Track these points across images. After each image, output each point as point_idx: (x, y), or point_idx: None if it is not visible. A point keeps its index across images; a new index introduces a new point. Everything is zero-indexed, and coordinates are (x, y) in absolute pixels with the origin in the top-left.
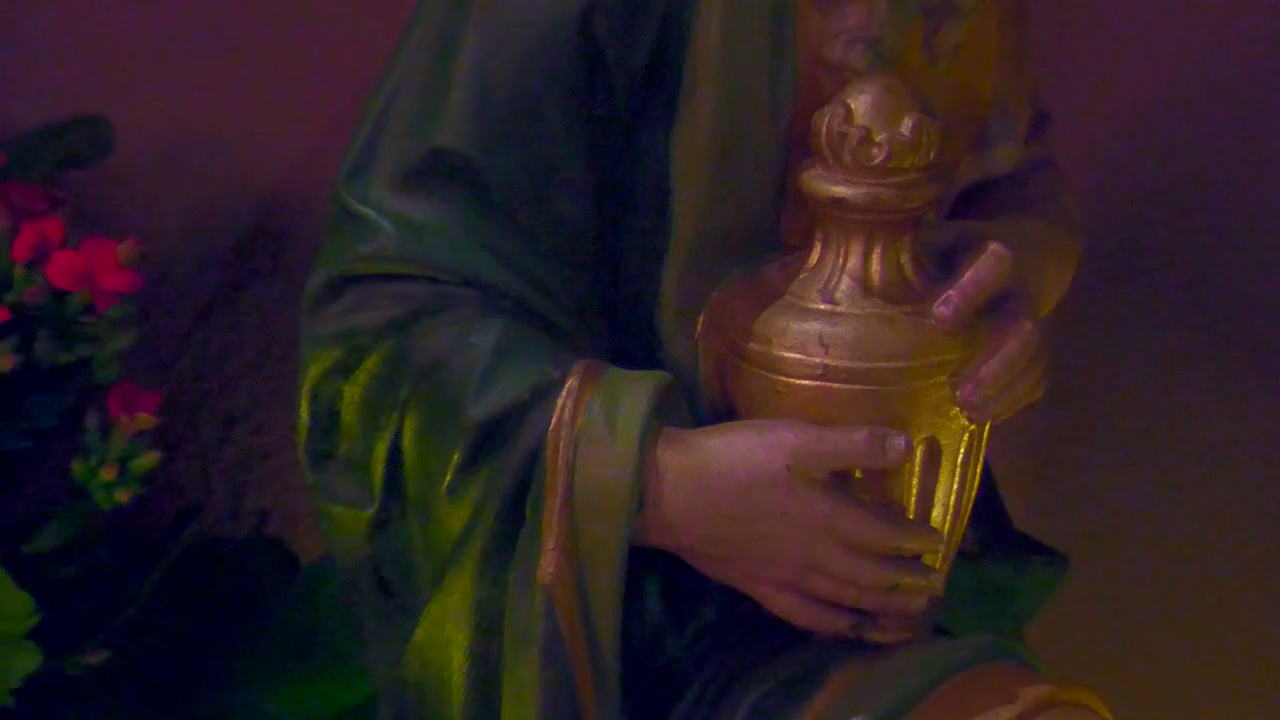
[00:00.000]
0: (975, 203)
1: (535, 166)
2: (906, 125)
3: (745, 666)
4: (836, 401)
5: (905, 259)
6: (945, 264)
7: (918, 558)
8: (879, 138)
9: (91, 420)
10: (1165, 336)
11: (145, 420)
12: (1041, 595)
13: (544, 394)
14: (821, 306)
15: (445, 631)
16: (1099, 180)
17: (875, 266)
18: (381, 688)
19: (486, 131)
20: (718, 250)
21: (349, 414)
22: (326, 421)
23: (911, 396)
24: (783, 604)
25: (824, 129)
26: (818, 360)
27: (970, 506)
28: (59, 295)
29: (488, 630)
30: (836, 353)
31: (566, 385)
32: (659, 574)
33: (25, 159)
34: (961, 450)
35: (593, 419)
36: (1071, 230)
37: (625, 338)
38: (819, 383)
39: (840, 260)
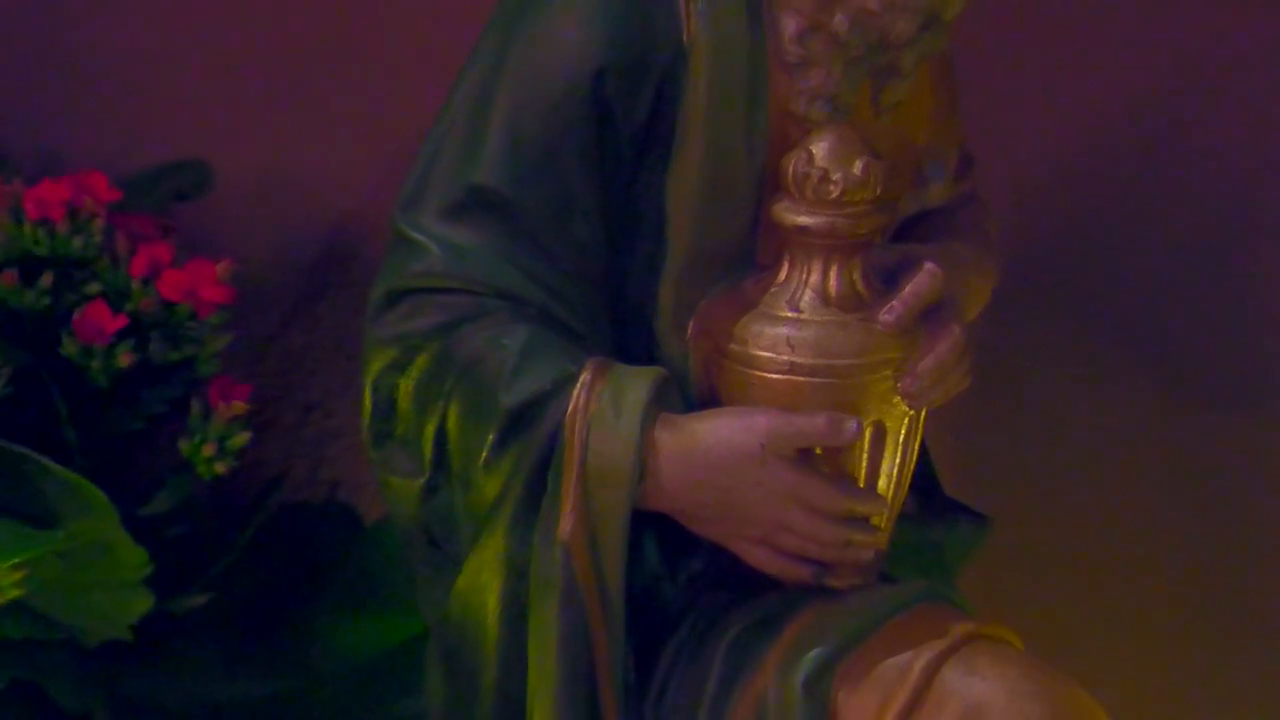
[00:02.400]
0: (914, 230)
1: (556, 200)
2: (858, 167)
3: (727, 607)
4: (801, 392)
5: (857, 276)
6: (889, 280)
7: (867, 519)
8: (835, 177)
9: (195, 407)
10: (1071, 337)
11: (239, 407)
12: (968, 549)
13: (563, 385)
14: (789, 314)
15: (482, 579)
16: (1015, 208)
17: (832, 282)
18: (431, 624)
19: (516, 172)
20: (705, 268)
21: (404, 402)
22: (386, 408)
23: (862, 388)
24: (757, 556)
25: (791, 169)
26: (785, 358)
27: (910, 477)
28: (169, 305)
29: (517, 578)
30: (801, 352)
31: (581, 378)
32: (656, 532)
33: (140, 194)
34: (903, 431)
35: (602, 406)
36: (991, 251)
37: (629, 339)
38: (786, 376)
39: (804, 277)
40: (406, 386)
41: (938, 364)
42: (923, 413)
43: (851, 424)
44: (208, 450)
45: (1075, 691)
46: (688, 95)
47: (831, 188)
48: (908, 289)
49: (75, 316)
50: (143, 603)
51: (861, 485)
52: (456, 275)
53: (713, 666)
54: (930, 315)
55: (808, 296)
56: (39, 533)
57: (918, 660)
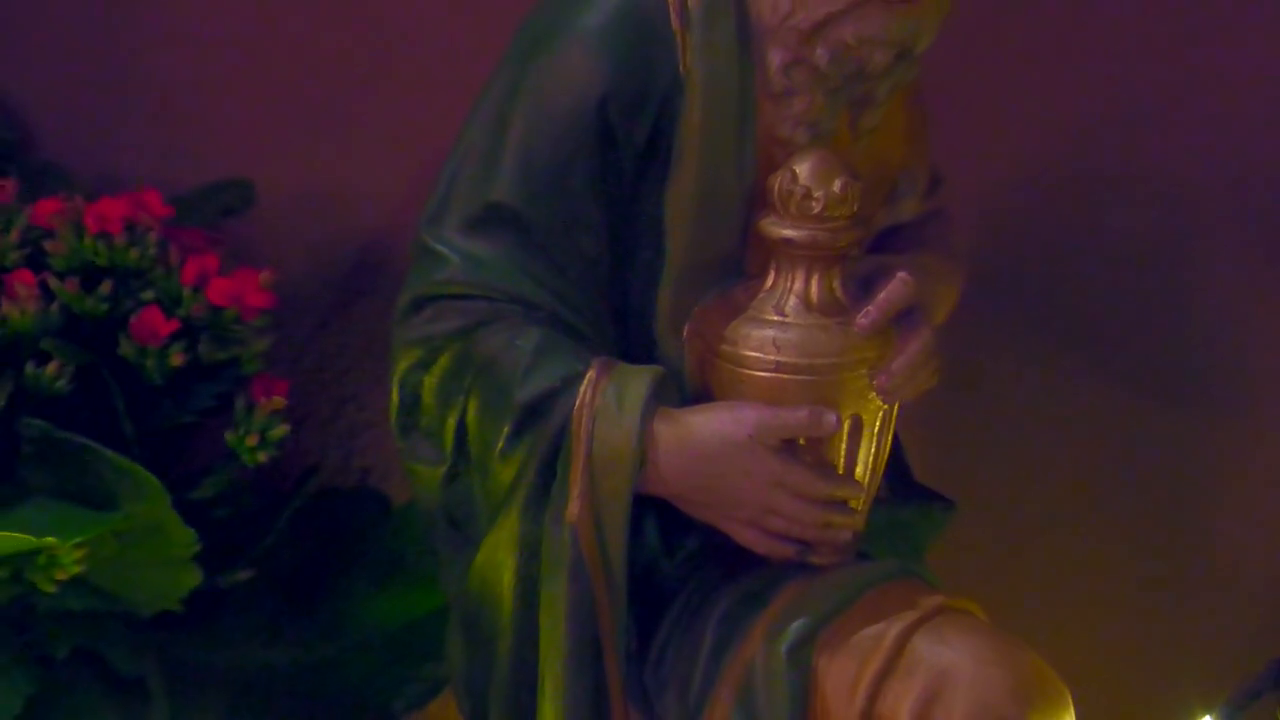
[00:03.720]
0: (887, 242)
1: (565, 215)
2: (837, 185)
3: (719, 582)
4: (786, 388)
5: (836, 283)
6: (865, 287)
7: (845, 502)
8: (817, 194)
9: (240, 402)
10: (1030, 337)
11: (279, 402)
12: (936, 530)
13: (571, 382)
14: (774, 318)
15: (498, 557)
16: (980, 222)
17: (814, 289)
18: (452, 597)
19: (529, 190)
20: (699, 276)
21: (428, 397)
22: (411, 402)
23: (841, 384)
24: (747, 536)
25: (776, 187)
26: (772, 358)
27: (884, 464)
28: (216, 310)
29: (529, 556)
30: (786, 352)
31: (587, 376)
32: (656, 515)
33: (191, 211)
34: (877, 424)
35: (606, 401)
36: (957, 261)
37: (630, 340)
38: (773, 374)
39: (788, 284)
40: (430, 383)
41: (909, 363)
42: (895, 407)
43: (831, 417)
44: (251, 441)
45: (1034, 659)
46: (684, 120)
47: (813, 204)
48: (882, 295)
49: (132, 320)
50: (192, 578)
51: (840, 472)
52: (475, 283)
53: (705, 635)
54: (902, 319)
55: (792, 302)
56: (98, 515)
57: (891, 630)
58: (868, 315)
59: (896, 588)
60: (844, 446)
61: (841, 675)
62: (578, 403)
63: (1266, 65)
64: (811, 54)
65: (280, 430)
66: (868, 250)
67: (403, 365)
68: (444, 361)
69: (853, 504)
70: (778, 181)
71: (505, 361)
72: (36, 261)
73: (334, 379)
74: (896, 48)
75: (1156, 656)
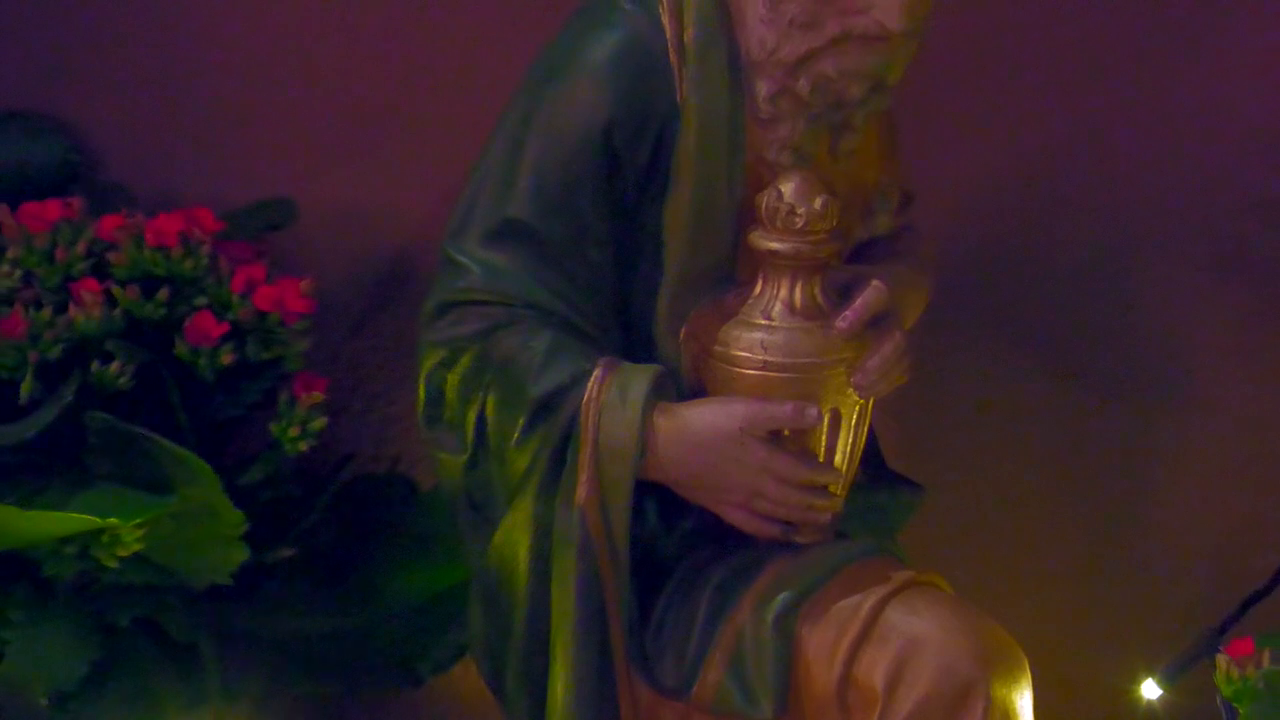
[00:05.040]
0: (864, 254)
1: (574, 229)
2: (818, 203)
3: (711, 559)
4: (772, 385)
5: (817, 291)
6: (844, 294)
7: (825, 487)
8: (800, 211)
9: (283, 397)
10: (991, 339)
11: (317, 397)
12: (907, 513)
13: (579, 380)
14: (762, 322)
15: (514, 536)
16: (947, 236)
17: (798, 296)
18: (473, 572)
19: (542, 206)
20: (694, 284)
21: (451, 393)
22: (436, 398)
23: (822, 381)
24: (736, 518)
25: (764, 204)
26: (760, 357)
27: (860, 453)
28: (262, 314)
29: (542, 535)
30: (772, 352)
31: (594, 374)
32: (655, 498)
33: (239, 226)
34: (855, 416)
35: (611, 396)
36: (926, 271)
37: (633, 342)
38: (760, 372)
39: (775, 291)
40: (453, 380)
41: (883, 362)
42: (870, 401)
43: (813, 410)
44: (293, 431)
45: (995, 627)
46: (680, 144)
47: (797, 219)
48: (859, 301)
49: (186, 324)
50: (240, 554)
51: (821, 460)
52: (494, 290)
53: (700, 606)
54: (877, 323)
55: (778, 307)
56: (156, 498)
57: (867, 601)
58: (846, 319)
59: (871, 564)
60: (824, 437)
61: (822, 642)
62: (585, 398)
63: (1197, 93)
64: (795, 85)
65: (319, 422)
66: (846, 261)
67: (428, 364)
68: (465, 361)
69: (832, 489)
70: (765, 199)
71: (520, 361)
72: (101, 271)
73: (367, 376)
74: (871, 80)
75: (1104, 624)
